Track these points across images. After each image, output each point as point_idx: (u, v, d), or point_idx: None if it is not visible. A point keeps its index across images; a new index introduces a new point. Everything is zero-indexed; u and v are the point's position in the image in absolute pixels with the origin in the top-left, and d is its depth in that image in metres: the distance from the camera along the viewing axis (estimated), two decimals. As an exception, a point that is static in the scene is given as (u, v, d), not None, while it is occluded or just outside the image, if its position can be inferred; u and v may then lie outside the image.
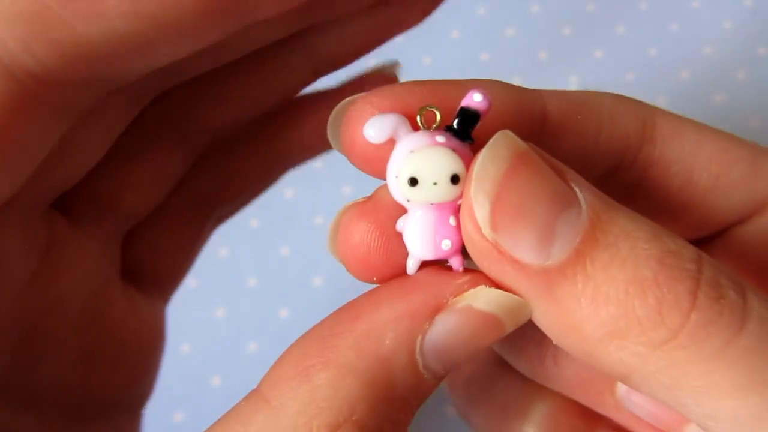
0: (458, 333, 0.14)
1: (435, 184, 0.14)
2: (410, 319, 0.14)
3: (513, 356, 0.20)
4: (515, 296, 0.14)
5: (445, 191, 0.14)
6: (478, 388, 0.21)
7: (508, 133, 0.14)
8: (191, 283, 0.37)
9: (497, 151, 0.13)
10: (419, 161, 0.14)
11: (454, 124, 0.14)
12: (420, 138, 0.14)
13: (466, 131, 0.14)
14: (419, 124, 0.15)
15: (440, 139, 0.14)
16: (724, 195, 0.18)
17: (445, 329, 0.14)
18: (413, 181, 0.14)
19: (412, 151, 0.14)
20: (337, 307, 0.16)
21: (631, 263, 0.13)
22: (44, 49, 0.11)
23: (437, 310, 0.14)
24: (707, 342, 0.13)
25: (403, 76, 0.41)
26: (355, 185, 0.38)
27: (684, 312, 0.13)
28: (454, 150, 0.14)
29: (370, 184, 0.18)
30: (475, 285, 0.14)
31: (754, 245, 0.19)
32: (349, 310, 0.14)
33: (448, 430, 0.33)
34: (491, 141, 0.13)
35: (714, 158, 0.18)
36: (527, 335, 0.18)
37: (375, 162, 0.15)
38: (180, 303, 0.37)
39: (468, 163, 0.14)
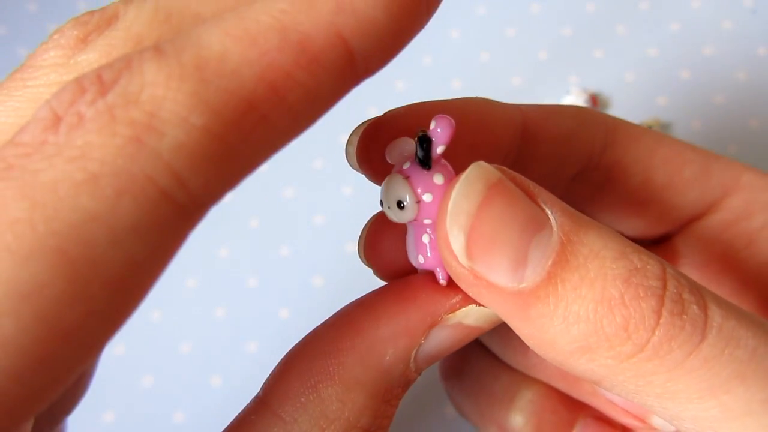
0: (448, 343, 0.16)
1: (389, 208, 0.15)
2: (409, 337, 0.15)
3: (500, 349, 0.22)
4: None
5: (395, 214, 0.15)
6: (470, 380, 0.23)
7: (482, 164, 0.15)
8: (191, 283, 0.37)
9: (470, 186, 0.14)
10: (383, 188, 0.16)
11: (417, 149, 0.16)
12: (397, 165, 0.16)
13: (424, 158, 0.15)
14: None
15: (405, 166, 0.15)
16: (679, 192, 0.20)
17: (437, 341, 0.16)
18: (381, 203, 0.16)
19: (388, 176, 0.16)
20: (336, 307, 0.17)
21: (599, 284, 0.14)
22: (220, 182, 0.11)
23: (432, 326, 0.16)
24: (670, 355, 0.14)
25: (403, 76, 0.41)
26: (354, 185, 0.38)
27: (649, 328, 0.14)
28: (407, 177, 0.15)
29: (369, 184, 0.18)
30: (465, 304, 0.16)
31: (710, 240, 0.21)
32: (349, 324, 0.16)
33: (447, 430, 0.33)
34: (464, 175, 0.14)
35: (668, 160, 0.20)
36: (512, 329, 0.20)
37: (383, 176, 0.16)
38: (180, 303, 0.37)
39: (418, 188, 0.15)
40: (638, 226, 0.22)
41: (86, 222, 0.10)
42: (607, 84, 0.40)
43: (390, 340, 0.15)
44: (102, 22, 0.14)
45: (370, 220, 0.18)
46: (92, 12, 0.14)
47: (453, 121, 0.15)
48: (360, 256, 0.18)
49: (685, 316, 0.14)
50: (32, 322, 0.10)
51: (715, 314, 0.14)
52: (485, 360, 0.23)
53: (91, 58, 0.14)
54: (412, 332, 0.15)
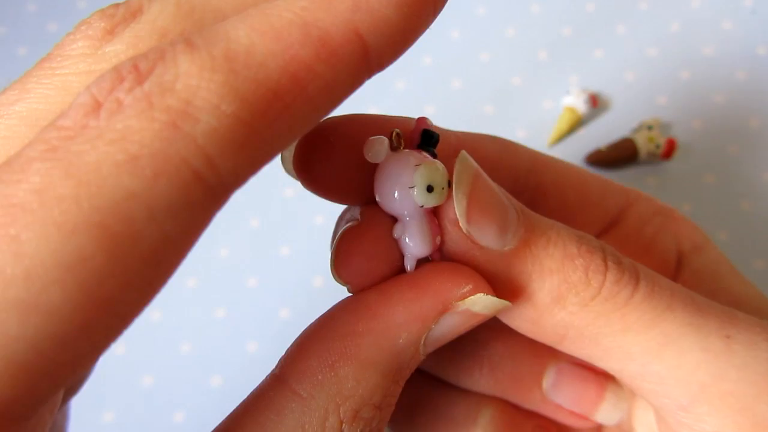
0: (455, 329, 0.17)
1: (443, 188, 0.17)
2: (422, 322, 0.17)
3: (453, 373, 0.24)
4: (502, 300, 0.17)
5: (445, 194, 0.17)
6: (426, 415, 0.24)
7: (465, 152, 0.17)
8: (191, 283, 0.37)
9: (466, 162, 0.17)
10: (431, 173, 0.17)
11: (423, 144, 0.17)
12: (413, 155, 0.17)
13: (434, 149, 0.17)
14: (393, 143, 0.17)
15: (426, 155, 0.17)
16: (588, 211, 0.24)
17: (446, 327, 0.17)
18: (430, 188, 0.17)
19: (417, 166, 0.17)
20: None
21: (561, 243, 0.17)
22: (246, 166, 0.12)
23: (443, 313, 0.17)
24: (620, 294, 0.17)
25: (403, 76, 0.41)
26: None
27: (602, 272, 0.17)
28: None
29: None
30: (474, 293, 0.17)
31: (617, 248, 0.23)
32: (366, 308, 0.17)
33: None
34: (459, 157, 0.17)
35: (578, 184, 0.24)
36: (464, 351, 0.24)
37: (332, 186, 0.18)
38: (180, 303, 0.37)
39: None
40: None
41: (126, 199, 0.11)
42: (607, 84, 0.40)
43: (404, 325, 0.16)
44: (128, 15, 0.15)
45: (336, 239, 0.18)
46: (117, 5, 0.15)
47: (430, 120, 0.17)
48: (332, 274, 0.18)
49: (622, 264, 0.18)
50: (76, 291, 0.10)
51: (640, 266, 0.18)
52: (438, 392, 0.24)
53: (118, 49, 0.14)
54: (425, 318, 0.17)
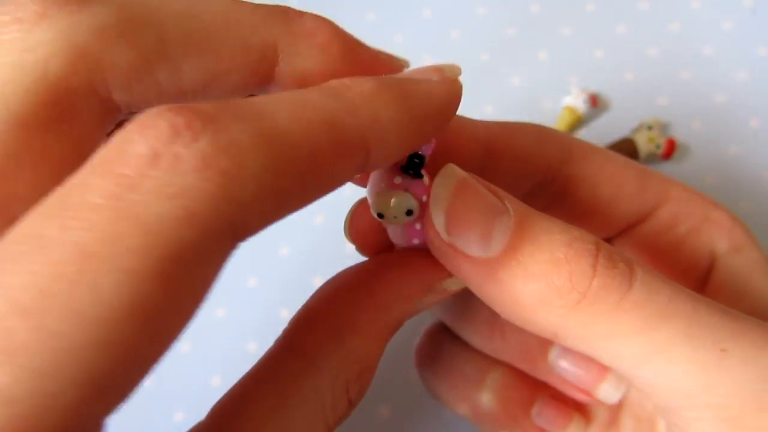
0: (430, 303, 0.20)
1: (395, 217, 0.19)
2: (410, 299, 0.19)
3: (470, 335, 0.27)
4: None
5: (404, 220, 0.19)
6: (443, 365, 0.27)
7: (452, 165, 0.19)
8: (191, 283, 0.37)
9: (445, 180, 0.18)
10: (381, 203, 0.18)
11: (406, 166, 0.19)
12: (382, 180, 0.19)
13: (416, 171, 0.18)
14: None
15: (397, 180, 0.18)
16: (620, 205, 0.24)
17: (424, 303, 0.20)
18: (380, 216, 0.19)
19: (377, 193, 0.19)
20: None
21: (548, 249, 0.18)
22: (270, 223, 0.15)
23: (427, 292, 0.20)
24: (607, 299, 0.17)
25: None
26: (354, 186, 0.38)
27: (588, 278, 0.18)
28: (406, 190, 0.18)
29: (370, 184, 0.18)
30: (450, 276, 0.20)
31: (643, 245, 0.25)
32: (366, 285, 0.19)
33: (447, 430, 0.33)
34: (440, 173, 0.19)
35: (613, 176, 0.24)
36: (481, 317, 0.26)
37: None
38: (180, 303, 0.37)
39: (420, 194, 0.19)
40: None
41: (185, 251, 0.12)
42: (607, 84, 0.40)
43: (396, 302, 0.19)
44: None
45: (353, 205, 0.21)
46: None
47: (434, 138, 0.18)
48: (345, 235, 0.21)
49: (615, 270, 0.18)
50: (139, 327, 0.12)
51: (638, 271, 0.18)
52: (456, 347, 0.27)
53: (49, 38, 0.15)
54: (413, 295, 0.19)
